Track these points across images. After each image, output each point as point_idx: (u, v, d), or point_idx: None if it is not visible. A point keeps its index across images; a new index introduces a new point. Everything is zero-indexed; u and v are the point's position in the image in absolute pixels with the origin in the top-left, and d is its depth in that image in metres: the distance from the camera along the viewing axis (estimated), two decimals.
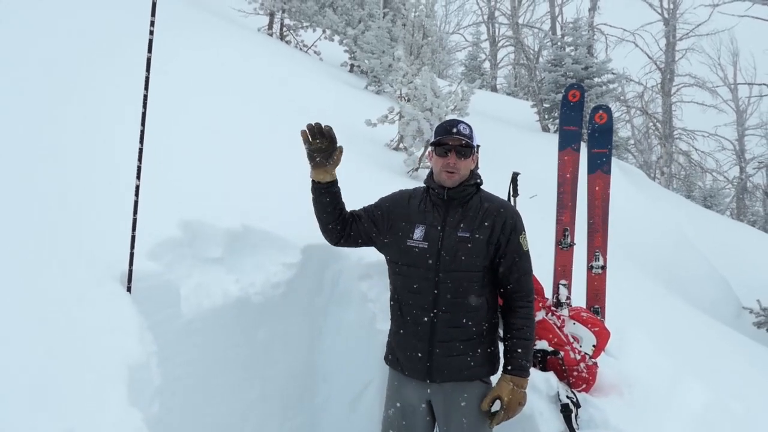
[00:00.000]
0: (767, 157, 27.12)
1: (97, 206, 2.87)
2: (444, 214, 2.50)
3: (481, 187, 2.62)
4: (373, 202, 2.72)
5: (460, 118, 2.67)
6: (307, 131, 2.46)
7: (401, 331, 2.55)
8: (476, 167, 2.64)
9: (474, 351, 2.49)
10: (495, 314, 2.59)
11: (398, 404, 2.59)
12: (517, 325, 2.48)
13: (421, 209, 2.55)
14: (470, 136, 2.49)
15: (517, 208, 3.94)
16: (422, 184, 2.68)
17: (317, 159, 2.50)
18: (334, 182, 2.60)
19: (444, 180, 2.49)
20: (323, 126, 2.46)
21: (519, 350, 2.45)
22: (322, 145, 2.46)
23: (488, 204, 2.53)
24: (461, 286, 2.44)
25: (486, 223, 2.47)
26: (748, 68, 33.55)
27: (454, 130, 2.47)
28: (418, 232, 2.49)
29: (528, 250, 2.55)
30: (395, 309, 2.59)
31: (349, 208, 2.68)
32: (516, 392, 2.43)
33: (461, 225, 2.46)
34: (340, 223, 2.63)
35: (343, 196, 2.64)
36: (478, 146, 3.35)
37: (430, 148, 2.57)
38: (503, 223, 2.48)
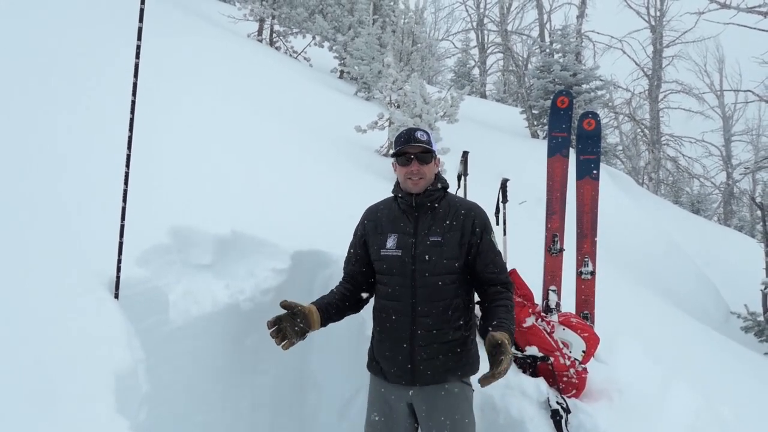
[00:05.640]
0: (753, 163, 27.39)
1: (86, 212, 2.84)
2: (415, 221, 2.55)
3: (448, 191, 2.67)
4: (350, 242, 2.74)
5: (416, 126, 2.77)
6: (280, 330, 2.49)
7: (383, 337, 2.59)
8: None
9: (454, 352, 2.51)
10: (471, 314, 2.62)
11: (381, 409, 2.62)
12: (499, 302, 2.44)
13: (391, 218, 2.61)
14: (429, 142, 2.56)
15: (507, 214, 3.95)
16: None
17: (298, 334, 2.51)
18: (327, 318, 2.60)
19: (410, 187, 2.55)
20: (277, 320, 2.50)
21: (502, 316, 2.37)
22: (296, 326, 2.50)
23: (456, 206, 2.58)
24: (438, 290, 2.48)
25: (456, 225, 2.52)
26: (733, 75, 34.04)
27: (412, 138, 2.53)
28: (391, 241, 2.55)
29: (498, 249, 2.62)
30: (377, 316, 2.63)
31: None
32: (507, 347, 2.22)
33: (432, 229, 2.51)
34: (357, 301, 2.69)
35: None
36: (466, 152, 3.37)
37: (392, 160, 2.63)
38: (473, 223, 2.53)
